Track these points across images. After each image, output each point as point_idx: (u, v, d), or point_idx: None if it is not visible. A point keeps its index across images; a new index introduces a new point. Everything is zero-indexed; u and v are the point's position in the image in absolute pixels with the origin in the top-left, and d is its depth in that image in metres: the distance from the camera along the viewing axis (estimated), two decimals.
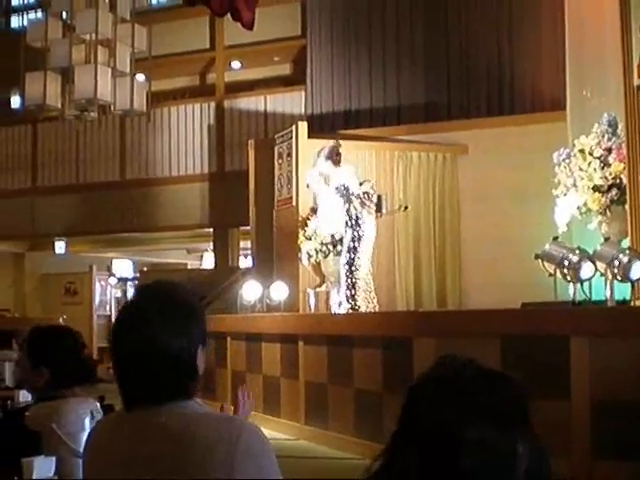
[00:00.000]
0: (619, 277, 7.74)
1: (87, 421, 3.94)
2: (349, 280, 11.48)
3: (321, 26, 15.55)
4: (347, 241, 11.56)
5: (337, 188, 11.65)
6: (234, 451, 2.19)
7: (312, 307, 12.37)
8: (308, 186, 12.44)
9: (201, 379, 2.40)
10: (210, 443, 2.19)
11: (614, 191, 9.14)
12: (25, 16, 19.93)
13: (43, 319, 17.04)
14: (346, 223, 11.56)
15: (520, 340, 7.27)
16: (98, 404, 4.15)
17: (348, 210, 11.54)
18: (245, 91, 18.22)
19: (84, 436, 3.90)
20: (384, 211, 11.66)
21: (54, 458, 3.76)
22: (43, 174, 19.66)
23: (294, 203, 13.20)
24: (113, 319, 22.63)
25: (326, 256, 12.39)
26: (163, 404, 2.29)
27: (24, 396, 4.94)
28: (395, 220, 13.24)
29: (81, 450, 3.87)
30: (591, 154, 9.40)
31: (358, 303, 11.42)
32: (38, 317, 18.33)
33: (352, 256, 11.49)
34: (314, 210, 12.74)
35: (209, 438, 2.20)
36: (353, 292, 11.46)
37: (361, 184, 11.69)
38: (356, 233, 11.49)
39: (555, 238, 8.43)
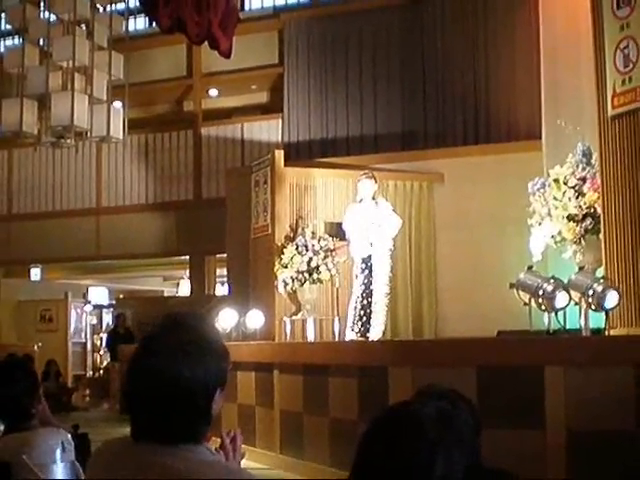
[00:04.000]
0: (593, 306, 7.76)
1: (58, 452, 3.91)
2: (365, 302, 11.51)
3: (298, 54, 15.62)
4: (360, 266, 11.61)
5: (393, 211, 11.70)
6: None
7: (288, 335, 12.35)
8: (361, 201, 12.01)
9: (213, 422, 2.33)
10: None
11: (588, 220, 9.18)
12: (2, 42, 19.92)
13: (18, 346, 16.98)
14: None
15: (495, 370, 7.27)
16: (69, 435, 4.12)
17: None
18: (222, 119, 18.24)
19: (55, 467, 3.88)
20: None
21: None
22: (19, 200, 19.59)
23: (270, 231, 13.18)
24: (89, 346, 22.65)
25: (302, 284, 12.39)
26: (171, 445, 2.24)
27: None
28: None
29: None
30: (566, 183, 9.44)
31: (369, 332, 11.43)
32: (13, 344, 18.23)
33: (366, 280, 11.54)
34: (290, 238, 12.74)
35: None
36: (365, 317, 11.48)
37: None
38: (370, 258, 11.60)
39: (530, 267, 8.45)
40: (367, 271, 11.52)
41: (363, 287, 11.52)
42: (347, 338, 11.49)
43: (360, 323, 11.44)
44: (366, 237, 11.58)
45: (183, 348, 2.28)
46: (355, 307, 11.57)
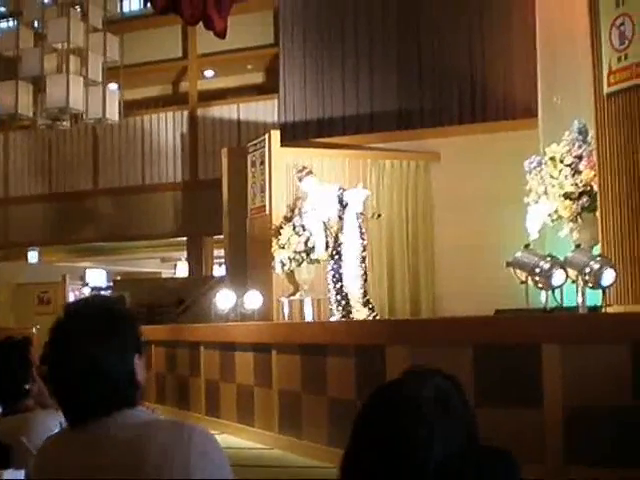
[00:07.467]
0: (590, 284, 7.77)
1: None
2: (337, 286, 11.61)
3: (294, 34, 15.55)
4: (330, 249, 11.76)
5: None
6: (188, 452, 2.21)
7: (286, 316, 12.37)
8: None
9: (143, 387, 2.41)
10: (164, 447, 2.21)
11: (585, 198, 9.17)
12: None
13: (16, 329, 16.99)
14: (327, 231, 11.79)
15: (492, 348, 7.29)
16: None
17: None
18: (218, 99, 18.21)
19: None
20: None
21: (23, 471, 3.74)
22: (15, 183, 19.57)
23: (267, 212, 13.19)
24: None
25: (299, 264, 12.40)
26: (108, 416, 2.30)
27: None
28: (368, 228, 13.25)
29: None
30: (562, 161, 9.43)
31: (352, 312, 11.51)
32: (11, 327, 18.24)
33: (335, 265, 11.66)
34: (287, 219, 12.74)
35: (162, 442, 2.22)
36: (343, 300, 11.56)
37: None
38: (334, 242, 11.70)
39: (526, 245, 8.45)
40: (337, 257, 11.66)
41: (332, 272, 11.67)
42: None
43: (341, 307, 11.55)
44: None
45: (89, 327, 2.35)
46: (329, 296, 11.73)
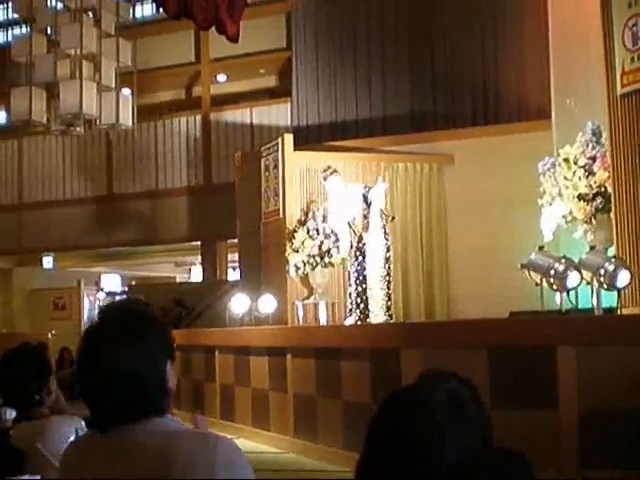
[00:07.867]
0: (605, 285, 7.73)
1: (72, 440, 3.91)
2: (359, 288, 11.59)
3: (306, 38, 15.57)
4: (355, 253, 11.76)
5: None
6: (213, 461, 2.23)
7: (300, 319, 12.37)
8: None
9: (173, 393, 2.42)
10: (189, 455, 2.22)
11: (599, 199, 9.15)
12: (10, 31, 19.93)
13: (32, 335, 17.02)
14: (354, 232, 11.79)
15: (507, 350, 7.27)
16: (83, 422, 4.13)
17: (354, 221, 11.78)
18: (231, 104, 18.23)
19: None
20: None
21: (39, 477, 3.74)
22: (30, 189, 19.62)
23: (281, 215, 13.19)
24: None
25: (314, 268, 12.40)
26: (137, 423, 2.31)
27: (10, 414, 4.91)
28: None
29: None
30: (576, 163, 9.41)
31: (369, 319, 11.49)
32: (27, 333, 18.27)
33: (359, 267, 11.65)
34: (301, 222, 12.74)
35: (188, 451, 2.23)
36: (362, 303, 11.55)
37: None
38: (357, 242, 11.71)
39: (541, 247, 8.42)
40: (361, 257, 11.63)
41: (356, 274, 11.63)
42: (346, 324, 11.55)
43: (359, 310, 11.52)
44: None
45: (124, 332, 2.36)
46: (350, 294, 11.70)
